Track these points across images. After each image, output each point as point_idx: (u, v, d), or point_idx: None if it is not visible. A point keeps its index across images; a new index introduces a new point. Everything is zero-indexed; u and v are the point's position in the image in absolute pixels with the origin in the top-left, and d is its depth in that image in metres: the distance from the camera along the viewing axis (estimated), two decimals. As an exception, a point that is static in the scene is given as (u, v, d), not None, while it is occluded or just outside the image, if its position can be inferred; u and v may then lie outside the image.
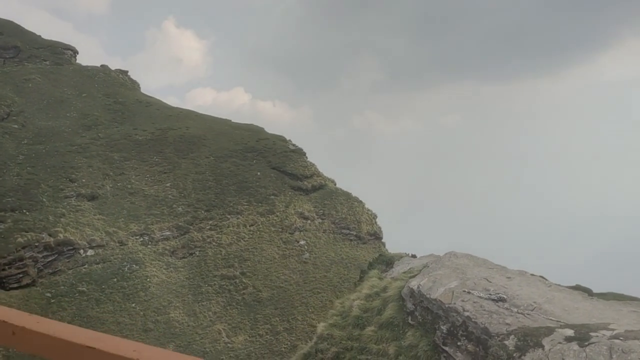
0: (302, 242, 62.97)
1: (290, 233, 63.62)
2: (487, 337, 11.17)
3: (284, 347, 49.82)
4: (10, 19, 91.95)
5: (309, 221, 66.14)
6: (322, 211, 68.17)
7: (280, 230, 63.59)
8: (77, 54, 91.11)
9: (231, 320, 51.77)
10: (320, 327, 17.91)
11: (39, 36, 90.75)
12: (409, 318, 13.78)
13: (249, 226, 62.89)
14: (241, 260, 58.23)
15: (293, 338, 50.87)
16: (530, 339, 10.44)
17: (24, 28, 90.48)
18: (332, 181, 76.19)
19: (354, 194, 73.25)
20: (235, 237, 61.06)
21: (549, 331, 10.43)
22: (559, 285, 13.04)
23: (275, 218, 64.76)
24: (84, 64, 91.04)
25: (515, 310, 11.68)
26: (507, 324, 11.17)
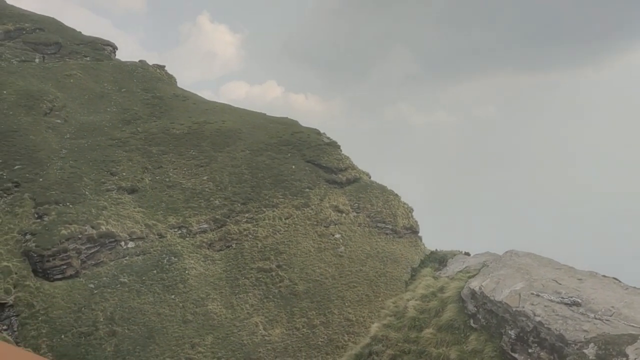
0: (337, 236, 62.80)
1: (325, 226, 63.52)
2: (562, 344, 10.67)
3: (321, 341, 49.88)
4: (52, 16, 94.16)
5: (343, 214, 65.89)
6: (357, 204, 67.82)
7: (315, 223, 63.55)
8: (117, 49, 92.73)
9: (268, 313, 52.05)
10: (374, 327, 17.53)
11: (80, 32, 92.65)
12: (471, 321, 13.34)
13: (285, 219, 63.02)
14: (277, 253, 58.44)
15: (329, 332, 50.88)
16: (613, 347, 9.92)
17: (64, 24, 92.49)
18: (367, 174, 75.70)
19: (388, 187, 72.68)
20: (271, 230, 61.29)
21: (633, 339, 9.90)
22: (636, 287, 12.42)
23: (310, 211, 64.73)
24: (122, 59, 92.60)
25: (592, 315, 11.13)
26: (585, 330, 10.64)
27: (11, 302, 44.73)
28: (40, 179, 55.78)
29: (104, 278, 49.86)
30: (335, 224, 63.94)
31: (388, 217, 66.45)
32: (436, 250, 23.36)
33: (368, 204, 67.50)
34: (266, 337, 48.90)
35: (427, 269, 21.17)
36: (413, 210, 69.44)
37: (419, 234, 67.53)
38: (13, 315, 44.35)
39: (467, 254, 22.46)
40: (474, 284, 13.37)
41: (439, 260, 21.77)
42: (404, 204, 69.66)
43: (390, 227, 65.59)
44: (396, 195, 70.28)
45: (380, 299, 55.05)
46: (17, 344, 42.06)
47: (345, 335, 50.48)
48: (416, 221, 68.19)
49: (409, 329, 15.02)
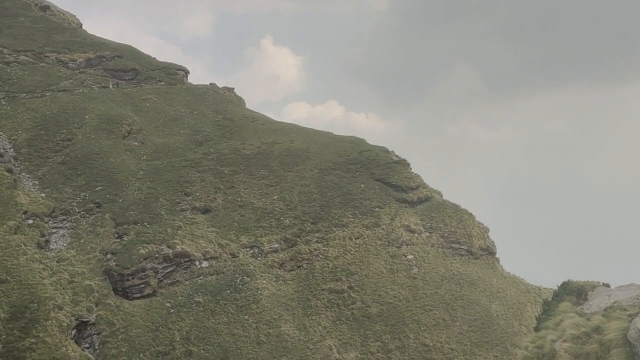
0: (409, 257, 60.95)
1: (397, 247, 61.86)
2: None
3: (397, 366, 47.99)
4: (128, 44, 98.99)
5: (415, 234, 64.00)
6: (429, 224, 65.80)
7: (386, 243, 62.03)
8: (189, 73, 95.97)
9: (341, 335, 50.85)
10: None
11: (154, 59, 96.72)
12: None
13: (355, 239, 61.93)
14: (348, 274, 57.34)
15: (406, 357, 49.02)
16: None
17: (140, 51, 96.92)
18: (439, 193, 73.54)
19: (462, 207, 70.11)
20: (341, 250, 60.34)
21: None
22: None
23: (381, 231, 63.33)
24: (193, 83, 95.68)
25: None
26: None
27: (93, 320, 46.01)
28: (120, 200, 57.74)
29: (180, 297, 50.50)
30: (408, 245, 62.17)
31: (463, 237, 63.94)
32: (569, 280, 21.33)
33: (441, 224, 65.30)
34: (340, 361, 47.63)
35: (565, 304, 19.20)
36: (489, 231, 66.57)
37: (496, 256, 64.43)
38: (95, 334, 45.55)
39: (607, 285, 20.35)
40: (645, 325, 11.64)
41: (576, 292, 19.77)
42: (479, 223, 66.90)
43: (466, 247, 63.05)
44: (470, 214, 67.64)
45: (457, 324, 52.63)
46: (98, 361, 43.09)
47: (424, 361, 48.37)
48: (493, 242, 65.24)
49: (565, 378, 13.34)
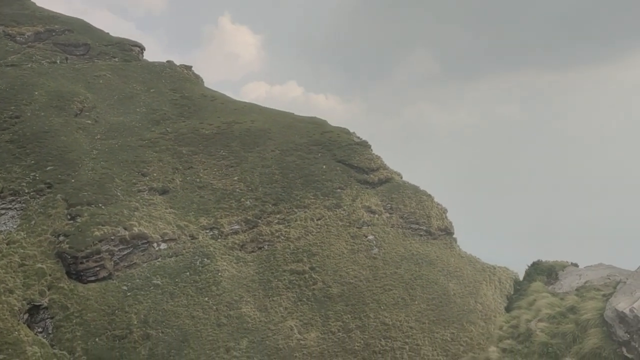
0: (370, 237, 61.36)
1: (358, 227, 62.12)
2: None
3: (357, 346, 48.54)
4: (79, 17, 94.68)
5: (376, 215, 64.43)
6: (389, 205, 66.30)
7: (347, 224, 62.21)
8: (144, 50, 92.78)
9: (302, 316, 50.89)
10: (493, 352, 15.63)
11: (108, 34, 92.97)
12: (624, 349, 11.71)
13: (317, 220, 61.82)
14: (310, 255, 57.25)
15: (366, 336, 49.49)
16: None
17: (92, 26, 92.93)
18: (399, 174, 74.06)
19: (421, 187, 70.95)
20: (303, 231, 60.15)
21: None
22: None
23: (342, 212, 63.44)
24: (149, 60, 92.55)
25: None
26: None
27: (45, 304, 44.40)
28: (73, 180, 55.56)
29: (137, 280, 49.27)
30: (368, 225, 62.51)
31: (422, 218, 64.78)
32: (540, 260, 21.60)
33: (401, 205, 65.92)
34: (302, 342, 47.73)
35: (537, 283, 19.49)
36: (447, 211, 67.63)
37: (454, 236, 65.68)
38: (48, 318, 43.99)
39: (576, 265, 20.69)
40: (621, 305, 11.76)
41: (547, 272, 20.05)
42: (438, 204, 67.91)
43: (425, 228, 63.93)
44: (429, 195, 68.54)
45: (416, 303, 53.54)
46: (52, 346, 41.69)
47: (382, 340, 49.04)
48: (451, 222, 66.38)
49: (540, 356, 13.37)
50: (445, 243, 63.57)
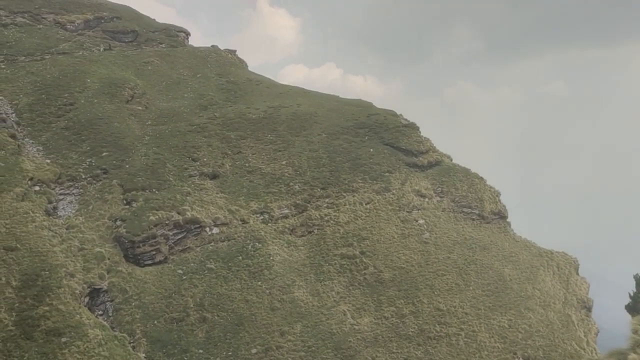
0: (421, 221, 60.27)
1: (407, 211, 61.11)
2: None
3: (412, 331, 47.92)
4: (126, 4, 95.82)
5: (426, 199, 63.19)
6: (440, 189, 64.93)
7: (397, 208, 61.26)
8: (189, 35, 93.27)
9: (355, 301, 50.57)
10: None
11: (154, 20, 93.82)
12: None
13: (365, 204, 61.13)
14: (360, 239, 56.72)
15: (420, 322, 48.80)
16: None
17: (139, 12, 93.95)
18: (448, 157, 72.40)
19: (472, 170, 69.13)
20: (352, 215, 59.60)
21: None
22: None
23: (391, 196, 62.50)
24: (194, 45, 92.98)
25: None
26: None
27: (105, 287, 45.49)
28: (127, 166, 56.54)
29: (192, 264, 49.93)
30: (418, 209, 61.41)
31: (474, 201, 63.16)
32: None
33: (452, 188, 64.42)
34: (355, 326, 47.45)
35: None
36: (500, 194, 65.71)
37: (508, 220, 63.82)
38: (108, 301, 45.10)
39: None
40: None
41: None
42: (490, 187, 66.06)
43: (477, 212, 62.33)
44: (481, 178, 66.75)
45: (471, 288, 52.38)
46: (112, 328, 42.72)
47: (437, 325, 48.24)
48: (504, 205, 64.56)
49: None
50: (499, 227, 61.88)
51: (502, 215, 63.27)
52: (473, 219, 61.87)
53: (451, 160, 71.59)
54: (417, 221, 60.10)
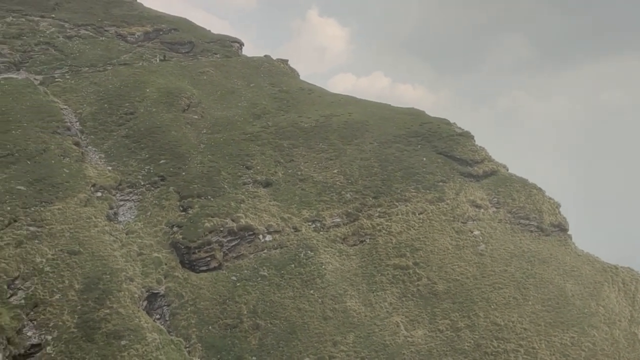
0: (476, 233, 58.72)
1: (462, 222, 59.69)
2: None
3: (467, 346, 46.60)
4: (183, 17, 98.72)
5: (482, 210, 61.55)
6: (496, 199, 63.15)
7: (451, 219, 59.93)
8: (243, 45, 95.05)
9: (408, 312, 49.69)
10: None
11: (209, 31, 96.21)
12: None
13: (419, 214, 60.12)
14: (413, 250, 55.78)
15: (476, 336, 47.38)
16: None
17: (195, 24, 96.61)
18: (504, 166, 70.36)
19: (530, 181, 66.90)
20: (405, 225, 58.72)
21: None
22: None
23: (445, 206, 61.23)
24: (247, 55, 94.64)
25: None
26: None
27: (162, 292, 46.48)
28: (183, 173, 57.84)
29: (245, 271, 50.40)
30: (474, 220, 59.90)
31: (532, 212, 61.05)
32: None
33: (509, 199, 62.51)
34: (409, 339, 46.57)
35: None
36: (560, 206, 63.23)
37: (568, 232, 61.28)
38: (165, 305, 46.05)
39: None
40: None
41: None
42: (550, 198, 63.71)
43: (536, 223, 60.20)
44: (540, 189, 64.51)
45: (530, 303, 50.49)
46: (168, 333, 43.52)
47: (494, 341, 46.69)
48: (564, 218, 62.06)
49: None
50: (559, 240, 59.50)
51: (562, 228, 60.82)
52: (531, 231, 59.79)
53: (507, 170, 69.56)
54: (472, 232, 58.61)
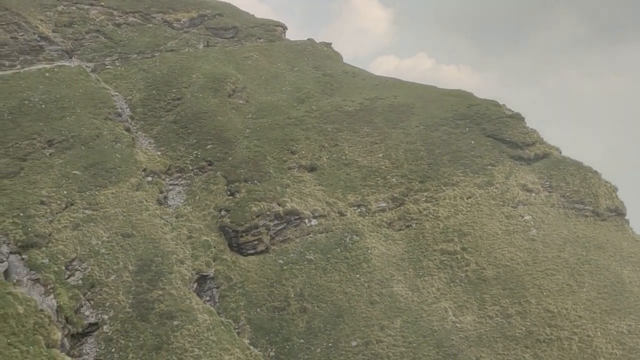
0: (527, 217, 57.00)
1: (512, 207, 58.04)
2: None
3: (519, 332, 45.49)
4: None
5: (533, 194, 59.64)
6: (548, 183, 61.04)
7: (501, 203, 58.37)
8: (287, 29, 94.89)
9: (456, 298, 48.89)
10: None
11: (253, 15, 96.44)
12: None
13: (467, 199, 58.84)
14: (461, 235, 54.71)
15: (528, 323, 46.16)
16: None
17: (239, 9, 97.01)
18: (557, 149, 67.79)
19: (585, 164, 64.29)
20: (452, 210, 57.62)
21: None
22: None
23: (494, 190, 59.67)
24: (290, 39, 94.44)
25: None
26: None
27: (212, 274, 47.42)
28: (230, 158, 58.50)
29: (292, 255, 50.73)
30: (524, 205, 58.12)
31: (587, 197, 58.73)
32: None
33: (562, 183, 60.31)
34: (457, 324, 45.88)
35: None
36: (617, 190, 60.53)
37: (626, 217, 58.71)
38: (214, 287, 46.99)
39: None
40: None
41: None
42: (606, 182, 61.10)
43: (591, 208, 57.89)
44: (595, 172, 61.91)
45: (585, 290, 48.80)
46: (218, 314, 44.42)
47: (547, 328, 45.37)
48: (622, 202, 59.41)
49: None
50: (616, 225, 57.10)
51: (619, 212, 58.31)
52: (586, 216, 57.57)
53: (560, 152, 67.05)
54: (522, 217, 56.94)
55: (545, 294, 48.51)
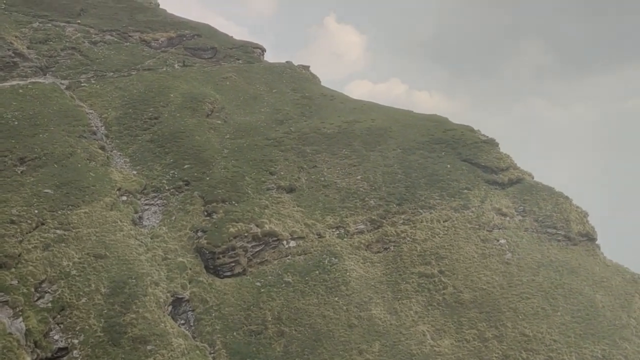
0: (502, 241, 57.79)
1: (488, 230, 58.81)
2: None
3: (495, 356, 45.77)
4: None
5: (508, 218, 60.58)
6: (522, 207, 62.16)
7: (477, 227, 59.08)
8: (265, 51, 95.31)
9: (434, 321, 48.93)
10: None
11: (231, 37, 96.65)
12: None
13: (443, 222, 59.36)
14: (438, 258, 55.04)
15: (504, 347, 46.45)
16: None
17: (218, 30, 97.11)
18: (530, 174, 69.24)
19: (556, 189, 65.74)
20: (429, 232, 58.02)
21: None
22: None
23: (470, 214, 60.41)
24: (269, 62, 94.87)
25: None
26: None
27: (187, 297, 46.35)
28: (207, 178, 57.88)
29: (269, 277, 50.09)
30: (499, 229, 58.96)
31: (559, 221, 59.91)
32: None
33: (535, 207, 61.47)
34: (435, 348, 45.80)
35: None
36: (588, 215, 61.97)
37: (597, 242, 60.02)
38: (189, 310, 45.90)
39: None
40: None
41: None
42: (577, 207, 62.53)
43: (563, 233, 59.05)
44: (567, 197, 63.33)
45: (559, 314, 49.42)
46: (193, 338, 43.34)
47: (523, 352, 45.73)
48: (592, 227, 60.82)
49: None
50: (587, 249, 58.30)
51: (590, 237, 59.61)
52: (559, 240, 58.66)
53: (533, 178, 68.48)
54: (498, 241, 57.70)
55: (520, 317, 48.98)
